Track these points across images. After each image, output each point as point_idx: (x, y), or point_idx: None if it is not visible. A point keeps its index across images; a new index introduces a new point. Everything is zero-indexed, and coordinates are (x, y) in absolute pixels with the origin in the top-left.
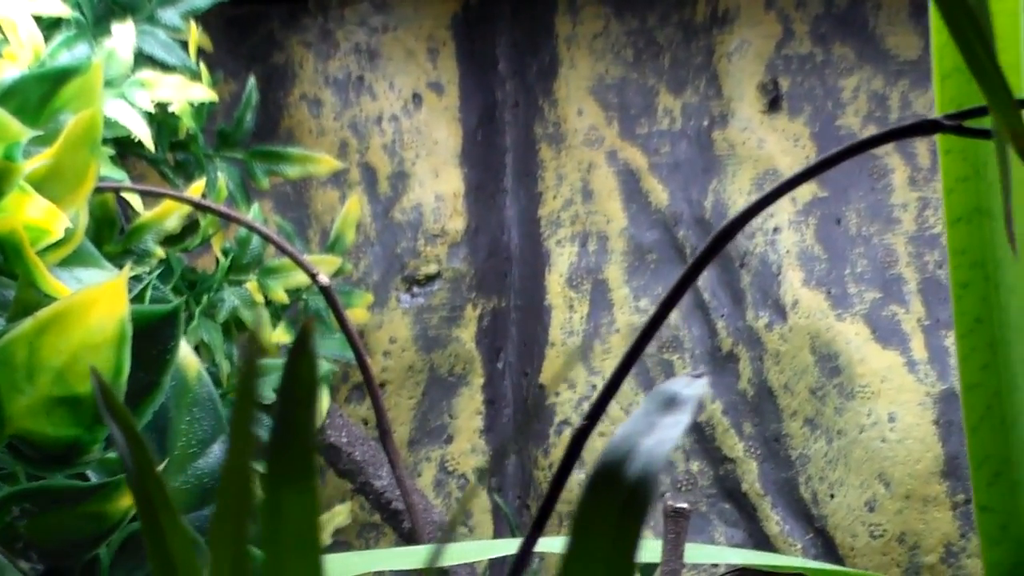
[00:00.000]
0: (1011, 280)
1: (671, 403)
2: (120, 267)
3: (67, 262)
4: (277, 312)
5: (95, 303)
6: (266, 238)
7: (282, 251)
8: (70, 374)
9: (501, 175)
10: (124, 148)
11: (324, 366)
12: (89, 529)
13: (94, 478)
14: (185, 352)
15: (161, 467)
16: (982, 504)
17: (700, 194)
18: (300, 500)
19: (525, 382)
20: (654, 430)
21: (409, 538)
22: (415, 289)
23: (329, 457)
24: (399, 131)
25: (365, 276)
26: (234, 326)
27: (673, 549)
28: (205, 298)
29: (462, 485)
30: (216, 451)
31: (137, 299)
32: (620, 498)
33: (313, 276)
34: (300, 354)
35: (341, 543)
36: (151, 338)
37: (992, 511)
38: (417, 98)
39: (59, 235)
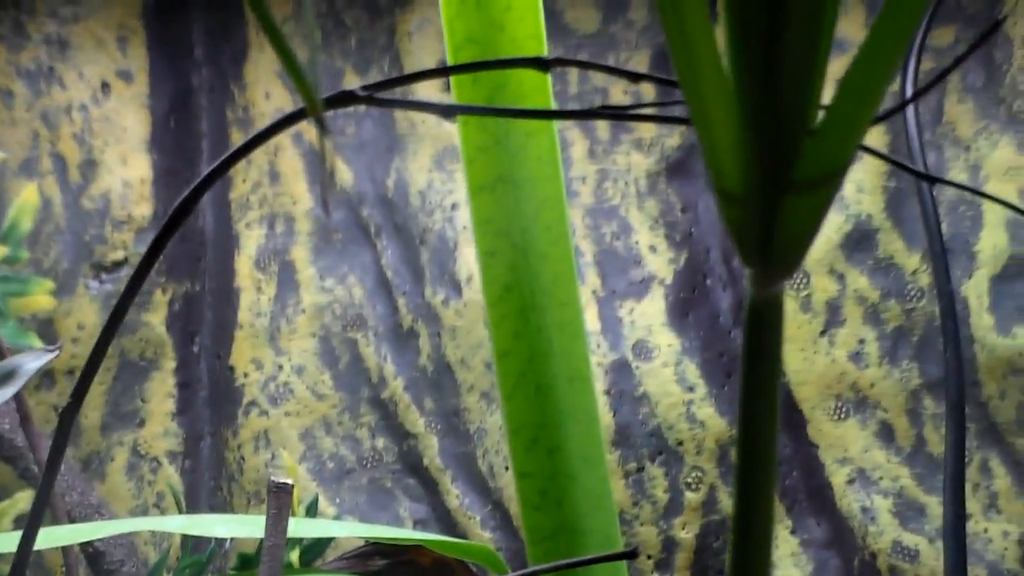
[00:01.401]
0: (542, 247)
1: (7, 377)
2: None
3: None
4: None
5: None
6: None
7: None
8: None
9: (197, 160)
10: None
11: None
12: None
13: None
14: None
15: None
16: (521, 470)
17: (383, 173)
18: None
19: (218, 364)
20: None
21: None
22: (103, 275)
23: None
24: (88, 120)
25: (55, 264)
26: None
27: (275, 525)
28: None
29: (155, 468)
30: None
31: None
32: None
33: None
34: None
35: None
36: None
37: (531, 476)
38: (106, 87)
39: None
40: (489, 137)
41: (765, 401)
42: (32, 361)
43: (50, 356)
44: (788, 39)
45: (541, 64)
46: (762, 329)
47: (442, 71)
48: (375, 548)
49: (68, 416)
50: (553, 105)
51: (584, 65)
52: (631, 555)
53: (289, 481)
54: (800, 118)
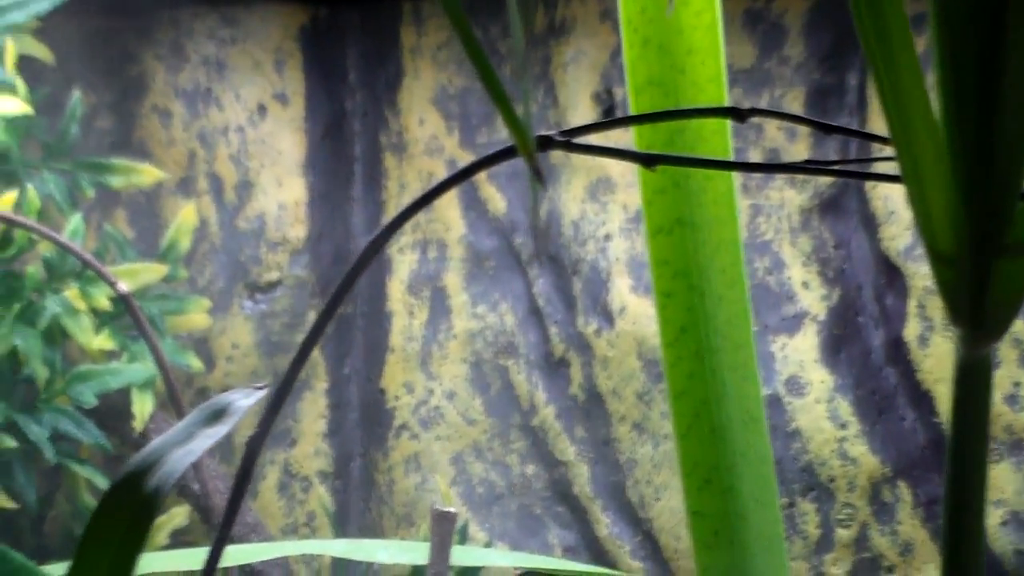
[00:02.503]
0: (718, 290)
1: (218, 415)
2: None
3: None
4: (104, 319)
5: None
6: (65, 248)
7: (83, 262)
8: None
9: (350, 184)
10: None
11: (146, 371)
12: None
13: None
14: None
15: None
16: (694, 509)
17: (536, 203)
18: None
19: (369, 387)
20: (189, 441)
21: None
22: (258, 296)
23: None
24: (244, 141)
25: (210, 283)
26: (57, 332)
27: (439, 552)
28: (18, 305)
29: (306, 488)
30: None
31: None
32: (131, 509)
33: (112, 285)
34: None
35: (186, 544)
36: None
37: (704, 516)
38: (263, 109)
39: None
40: (668, 180)
41: (974, 461)
42: (243, 399)
43: (260, 394)
44: (1003, 108)
45: (736, 114)
46: (972, 389)
47: (637, 119)
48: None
49: (255, 444)
50: (731, 148)
51: (781, 116)
52: None
53: (452, 509)
54: (1013, 184)
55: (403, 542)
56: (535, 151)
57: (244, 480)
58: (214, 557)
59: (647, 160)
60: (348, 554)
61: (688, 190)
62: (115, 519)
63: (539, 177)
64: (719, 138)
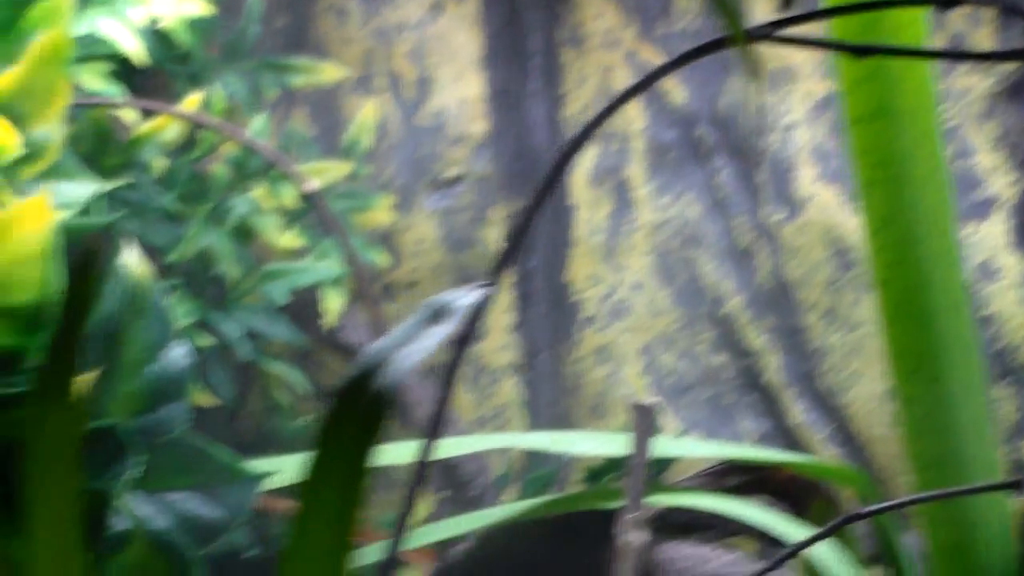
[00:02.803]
0: (920, 179)
1: (441, 313)
2: (121, 178)
3: (47, 175)
4: (292, 217)
5: (20, 220)
6: (252, 147)
7: (271, 161)
8: (4, 286)
9: (527, 79)
10: (133, 64)
11: (336, 268)
12: (20, 433)
13: None
14: (136, 263)
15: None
16: (903, 397)
17: (717, 93)
18: (60, 417)
19: (555, 280)
20: (413, 341)
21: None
22: (440, 192)
23: (347, 356)
24: (422, 38)
25: (392, 180)
26: (246, 231)
27: (639, 444)
28: (208, 205)
29: (494, 381)
30: (167, 356)
31: (88, 214)
32: (361, 410)
33: (301, 184)
34: (77, 286)
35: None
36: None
37: (913, 403)
38: (438, 6)
39: (15, 150)
40: (866, 70)
41: None
42: (464, 298)
43: (484, 292)
44: None
45: (943, 2)
46: None
47: (843, 9)
48: (729, 467)
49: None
50: (927, 38)
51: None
52: (1015, 485)
53: (652, 401)
54: None
55: (602, 434)
56: (746, 43)
57: (452, 376)
58: (426, 451)
59: (858, 51)
60: (548, 447)
61: (887, 80)
62: (347, 420)
63: (754, 70)
64: (915, 28)
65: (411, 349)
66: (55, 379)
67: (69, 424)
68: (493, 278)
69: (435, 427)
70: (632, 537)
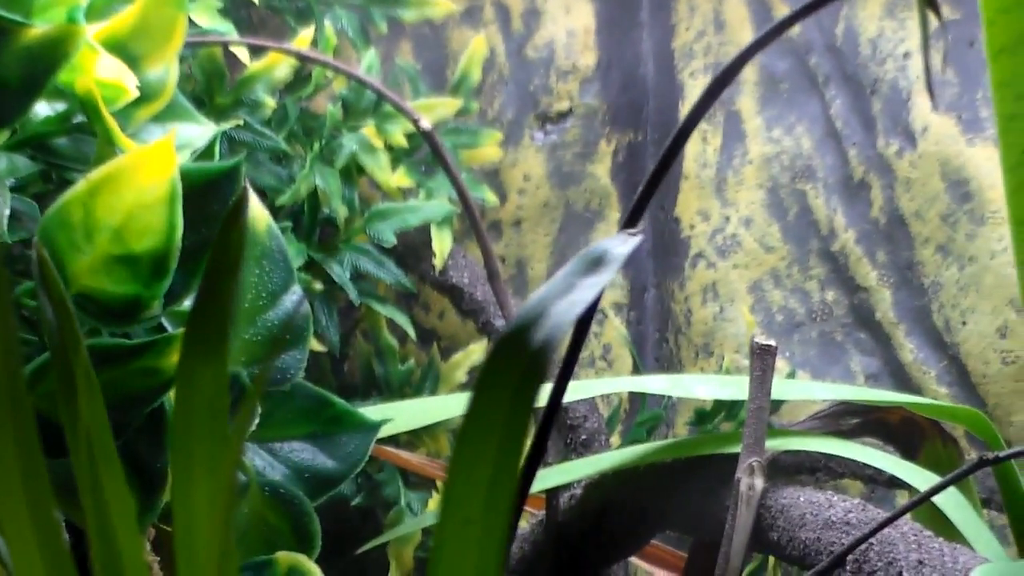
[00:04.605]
0: None
1: (597, 263)
2: (232, 117)
3: (160, 117)
4: (398, 155)
5: (143, 164)
6: (366, 85)
7: (383, 98)
8: (126, 233)
9: (637, 9)
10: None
11: (445, 207)
12: (144, 384)
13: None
14: (254, 206)
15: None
16: None
17: (831, 22)
18: (211, 371)
19: (662, 215)
20: (571, 292)
21: None
22: (548, 126)
23: (452, 297)
24: None
25: (500, 114)
26: (354, 170)
27: (760, 386)
28: (318, 144)
29: (600, 320)
30: (286, 302)
31: (206, 155)
32: (520, 364)
33: (415, 122)
34: (229, 229)
35: None
36: (211, 195)
37: None
38: None
39: (132, 92)
40: None
41: None
42: (619, 246)
43: (635, 241)
44: None
45: None
46: None
47: None
48: (845, 407)
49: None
50: None
51: None
52: None
53: (772, 343)
54: None
55: (720, 376)
56: None
57: (585, 325)
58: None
59: None
60: (666, 390)
61: None
62: (505, 374)
63: (933, 6)
64: None
65: (569, 300)
66: (207, 328)
67: (219, 373)
68: (634, 224)
69: (565, 373)
70: (754, 482)
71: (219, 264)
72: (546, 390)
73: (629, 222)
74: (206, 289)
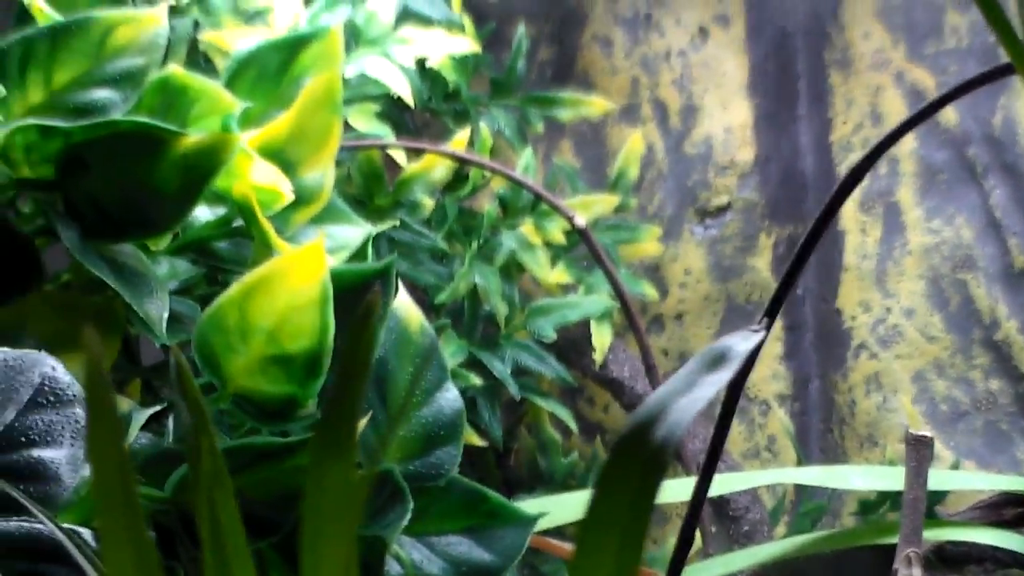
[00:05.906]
0: None
1: (719, 360)
2: (390, 218)
3: (317, 219)
4: (558, 252)
5: (295, 267)
6: (520, 184)
7: (537, 196)
8: (280, 334)
9: (794, 103)
10: (400, 103)
11: (604, 302)
12: (299, 481)
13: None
14: (407, 305)
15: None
16: None
17: (989, 112)
18: (340, 470)
19: (824, 307)
20: (692, 389)
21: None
22: (708, 221)
23: (613, 391)
24: (687, 65)
25: (659, 210)
26: (514, 268)
27: (915, 477)
28: (476, 243)
29: (764, 411)
30: (440, 400)
31: (359, 255)
32: (642, 461)
33: (570, 219)
34: (358, 334)
35: None
36: (364, 294)
37: None
38: (704, 32)
39: (287, 196)
40: None
41: None
42: (742, 342)
43: (758, 337)
44: None
45: None
46: None
47: None
48: (1007, 497)
49: (739, 381)
50: None
51: None
52: None
53: (927, 434)
54: None
55: (877, 467)
56: None
57: (727, 419)
58: (701, 490)
59: None
60: (822, 482)
61: None
62: (627, 471)
63: None
64: None
65: (690, 398)
66: (336, 429)
67: (348, 473)
68: (768, 319)
69: (710, 468)
70: (912, 572)
71: (349, 366)
72: (691, 484)
73: (769, 312)
74: (336, 390)
